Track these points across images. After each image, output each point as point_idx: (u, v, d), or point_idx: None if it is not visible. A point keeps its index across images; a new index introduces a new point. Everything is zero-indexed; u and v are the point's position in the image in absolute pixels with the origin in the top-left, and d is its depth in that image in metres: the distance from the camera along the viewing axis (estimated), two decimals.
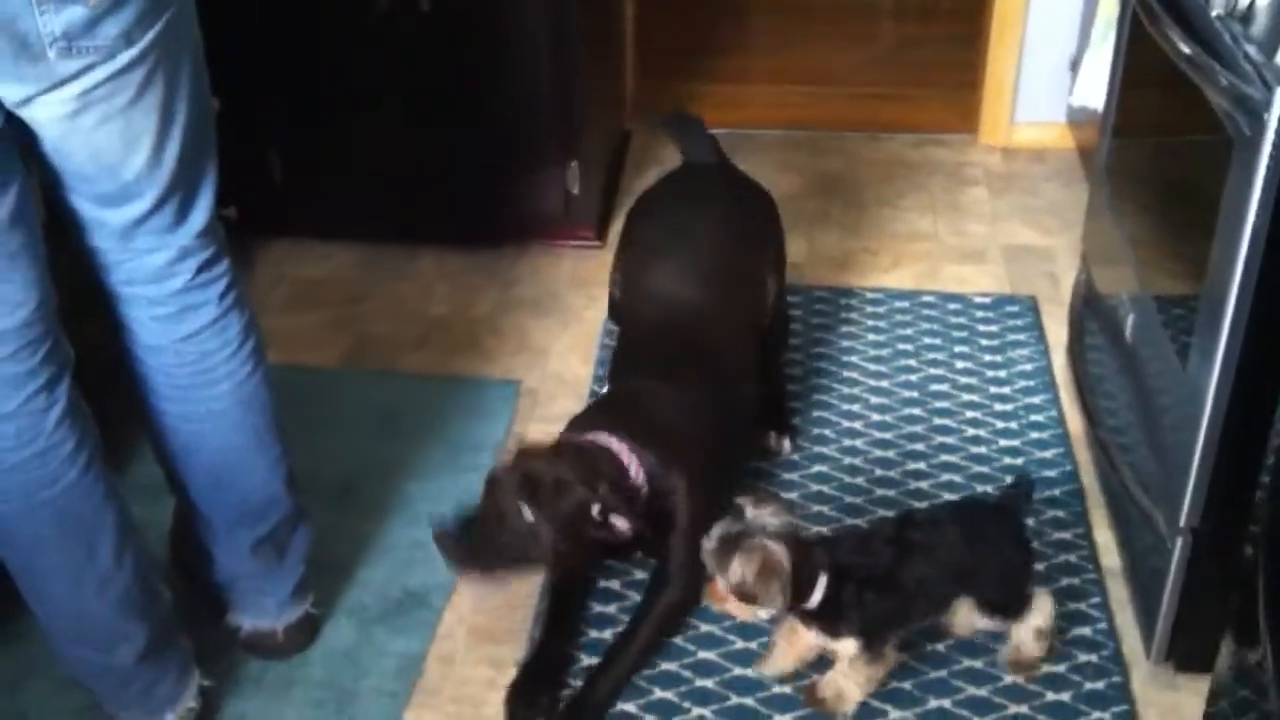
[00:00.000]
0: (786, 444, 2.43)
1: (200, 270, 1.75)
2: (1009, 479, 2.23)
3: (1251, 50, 1.70)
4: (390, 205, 3.03)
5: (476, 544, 1.91)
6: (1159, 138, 2.18)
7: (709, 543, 1.80)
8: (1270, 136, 1.64)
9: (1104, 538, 2.24)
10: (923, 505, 2.27)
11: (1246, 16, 1.72)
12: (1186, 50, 1.88)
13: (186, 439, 1.86)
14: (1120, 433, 2.21)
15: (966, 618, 1.95)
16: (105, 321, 1.78)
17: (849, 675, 1.90)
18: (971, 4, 3.81)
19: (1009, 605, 1.95)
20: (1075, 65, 3.33)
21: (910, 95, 3.84)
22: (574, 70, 2.87)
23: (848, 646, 1.87)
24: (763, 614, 1.84)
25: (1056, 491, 2.35)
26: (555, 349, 2.74)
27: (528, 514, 1.87)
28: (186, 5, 1.61)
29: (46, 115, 1.51)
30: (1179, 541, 1.91)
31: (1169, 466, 1.94)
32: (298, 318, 2.82)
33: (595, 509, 1.90)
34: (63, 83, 1.49)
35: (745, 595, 1.78)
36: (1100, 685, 1.99)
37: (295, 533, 2.00)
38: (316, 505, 2.08)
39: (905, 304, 2.87)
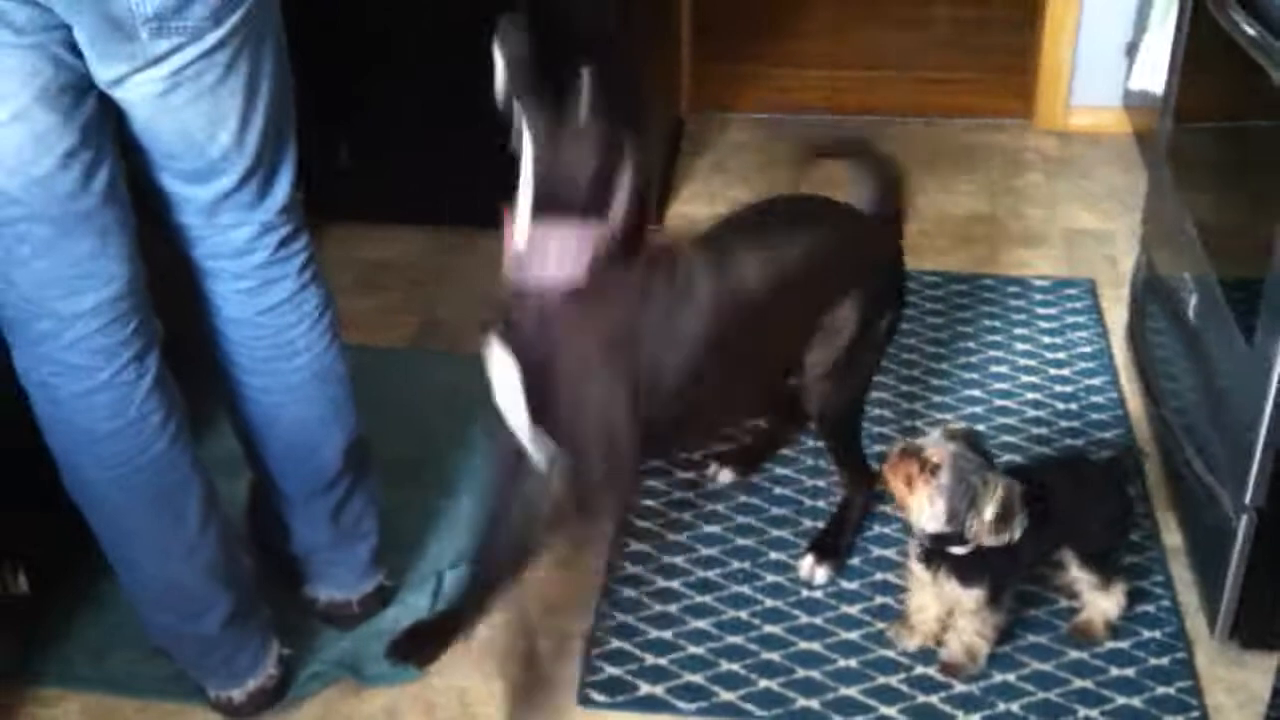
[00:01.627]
0: (821, 573, 2.16)
1: (280, 245, 1.80)
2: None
3: None
4: (453, 189, 3.07)
5: None
6: (1222, 119, 2.19)
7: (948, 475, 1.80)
8: None
9: (1166, 517, 2.26)
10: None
11: None
12: (1251, 32, 1.89)
13: (265, 411, 1.92)
14: (1184, 413, 2.22)
15: (1067, 569, 1.99)
16: (187, 299, 1.84)
17: (977, 627, 1.93)
18: None
19: (1107, 560, 1.98)
20: (1131, 50, 3.34)
21: (965, 80, 3.85)
22: (636, 54, 2.90)
23: (975, 596, 1.90)
24: (926, 520, 1.84)
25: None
26: None
27: None
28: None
29: (138, 94, 1.56)
30: (1244, 520, 1.93)
31: (1234, 445, 1.95)
32: (365, 300, 2.87)
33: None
34: (154, 62, 1.54)
35: (985, 530, 1.80)
36: (1165, 661, 2.00)
37: (368, 504, 2.05)
38: (387, 481, 2.13)
39: (964, 287, 2.89)
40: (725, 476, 2.36)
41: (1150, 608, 2.09)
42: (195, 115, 1.61)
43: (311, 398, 1.92)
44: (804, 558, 2.17)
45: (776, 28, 4.25)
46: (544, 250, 1.70)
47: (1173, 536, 2.22)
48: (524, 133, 1.72)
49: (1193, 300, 2.18)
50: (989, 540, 1.83)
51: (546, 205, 1.70)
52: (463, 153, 3.02)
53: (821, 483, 2.34)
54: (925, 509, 1.84)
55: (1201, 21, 2.16)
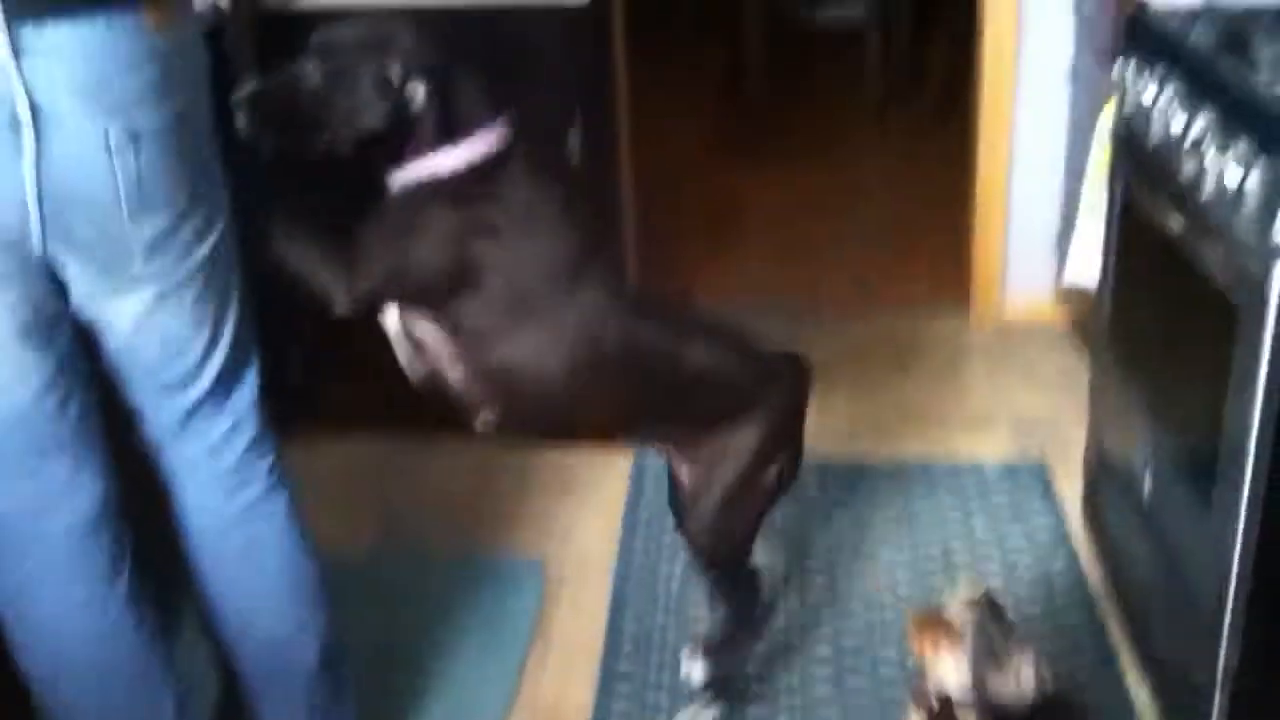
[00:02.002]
0: (696, 670, 2.18)
1: (249, 447, 1.83)
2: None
3: (1246, 226, 1.81)
4: (407, 395, 3.10)
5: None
6: (1160, 304, 2.29)
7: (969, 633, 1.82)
8: (1273, 306, 1.75)
9: (1142, 698, 2.27)
10: None
11: (1238, 195, 1.84)
12: (1181, 226, 2.01)
13: (239, 614, 1.91)
14: (1148, 591, 2.26)
15: None
16: (159, 508, 1.85)
17: None
18: (958, 180, 4.01)
19: None
20: (1061, 241, 3.49)
21: (902, 275, 4.00)
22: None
23: None
24: (952, 684, 1.83)
25: (1089, 655, 2.38)
26: (578, 527, 2.80)
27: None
28: (228, 209, 1.72)
29: (125, 311, 1.62)
30: (1218, 696, 1.95)
31: (1200, 621, 1.99)
32: (324, 504, 2.86)
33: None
34: (144, 282, 1.60)
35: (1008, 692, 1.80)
36: None
37: (343, 708, 2.03)
38: (357, 684, 2.10)
39: (918, 474, 2.95)
40: (695, 674, 2.20)
41: None
42: (178, 327, 1.66)
43: (285, 599, 1.92)
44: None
45: (715, 223, 4.39)
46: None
47: (1149, 716, 2.24)
48: None
49: (1147, 478, 2.24)
50: (1010, 702, 1.84)
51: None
52: None
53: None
54: (950, 673, 1.85)
55: (1132, 217, 2.28)
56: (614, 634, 2.47)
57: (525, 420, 1.99)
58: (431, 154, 1.78)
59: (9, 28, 1.38)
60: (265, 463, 1.85)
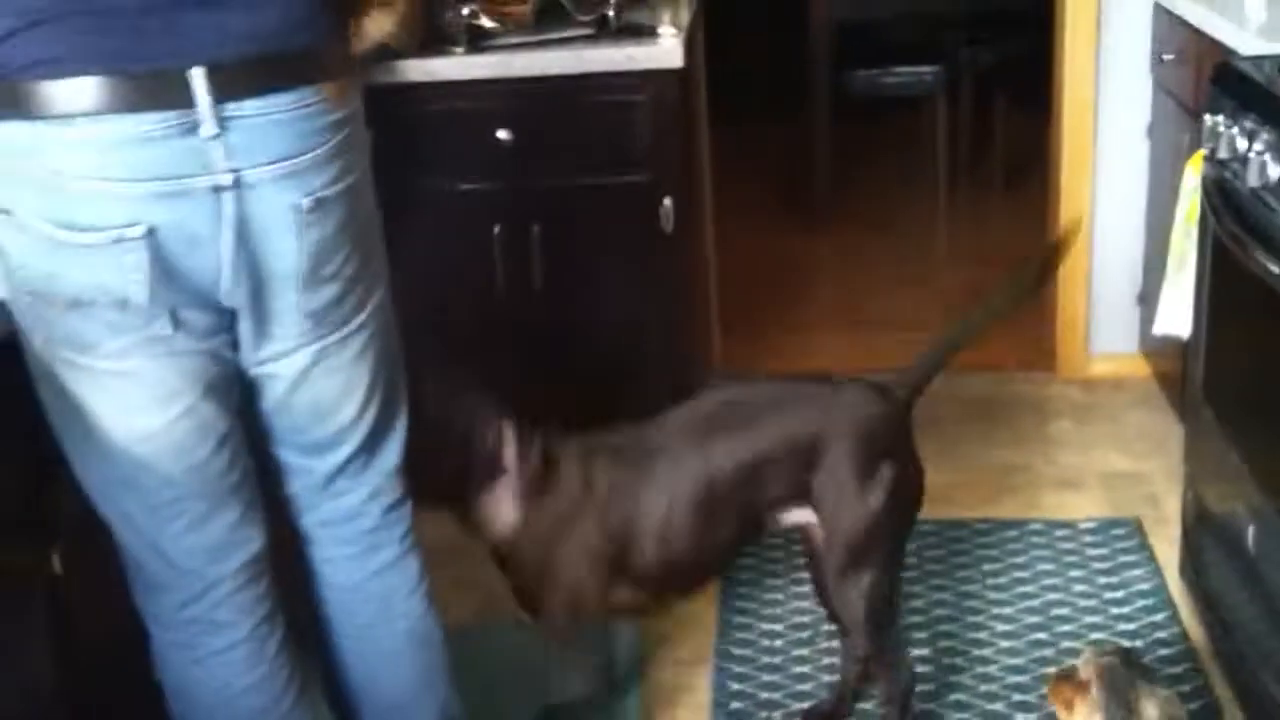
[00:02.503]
0: None
1: (387, 510, 1.90)
2: None
3: None
4: None
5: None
6: (1257, 352, 2.30)
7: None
8: None
9: None
10: None
11: None
12: (1276, 270, 2.03)
13: (362, 677, 1.96)
14: (1255, 642, 2.25)
15: None
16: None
17: None
18: (1029, 247, 4.02)
19: None
20: (1143, 299, 3.50)
21: (987, 336, 3.99)
22: (681, 336, 3.07)
23: None
24: None
25: (1193, 706, 2.37)
26: None
27: None
28: (387, 281, 1.82)
29: (286, 370, 1.70)
30: None
31: None
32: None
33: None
34: (306, 344, 1.69)
35: None
36: None
37: None
38: None
39: (1014, 533, 2.95)
40: None
41: None
42: (329, 388, 1.74)
43: (409, 664, 1.97)
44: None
45: (791, 297, 4.44)
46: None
47: None
48: None
49: (1250, 531, 2.24)
50: None
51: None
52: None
53: None
54: None
55: (1226, 265, 2.30)
56: (719, 692, 2.49)
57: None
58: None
59: (215, 105, 1.49)
60: (401, 528, 1.92)
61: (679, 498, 2.14)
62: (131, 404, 1.60)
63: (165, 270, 1.53)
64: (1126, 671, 1.87)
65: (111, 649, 1.84)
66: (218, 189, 1.53)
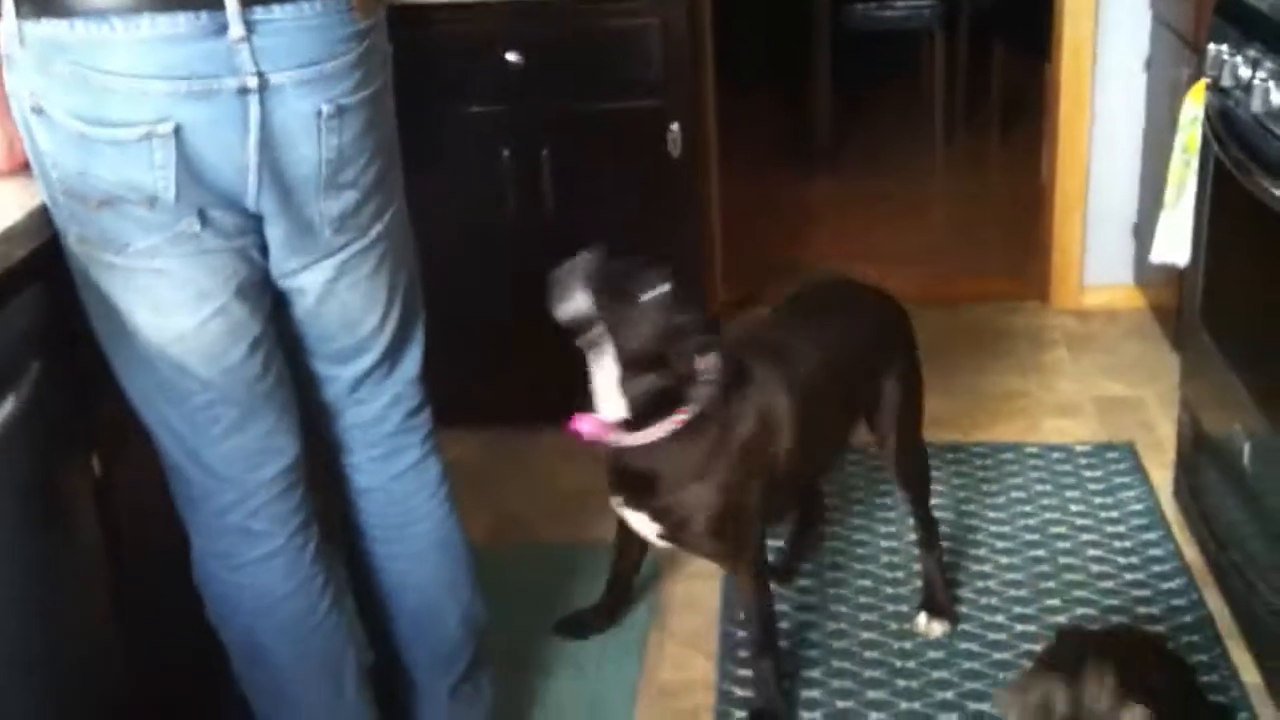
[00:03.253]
0: (938, 627, 2.46)
1: (408, 416, 1.96)
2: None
3: None
4: (514, 391, 3.22)
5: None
6: (1255, 276, 2.36)
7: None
8: None
9: (1241, 658, 2.35)
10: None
11: None
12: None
13: (392, 578, 2.03)
14: (1249, 554, 2.33)
15: None
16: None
17: None
18: (1025, 187, 4.08)
19: None
20: (1138, 231, 3.56)
21: (980, 270, 4.07)
22: (687, 262, 3.10)
23: None
24: None
25: (1188, 618, 2.46)
26: None
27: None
28: (403, 195, 1.86)
29: (312, 281, 1.74)
30: None
31: None
32: None
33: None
34: (330, 254, 1.72)
35: None
36: None
37: (481, 684, 2.13)
38: (492, 667, 2.20)
39: (1011, 456, 3.03)
40: (936, 630, 2.47)
41: None
42: (354, 299, 1.78)
43: (434, 565, 2.04)
44: (918, 615, 2.47)
45: (793, 233, 4.48)
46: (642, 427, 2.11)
47: (1250, 675, 2.31)
48: (602, 333, 2.09)
49: (1246, 448, 2.31)
50: None
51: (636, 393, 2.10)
52: (521, 359, 3.18)
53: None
54: None
55: (1226, 191, 2.36)
56: (728, 610, 2.56)
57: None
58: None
59: (243, 8, 1.52)
60: (421, 433, 1.98)
61: (811, 390, 2.22)
62: (164, 303, 1.64)
63: (192, 169, 1.56)
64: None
65: (157, 556, 1.88)
66: (244, 91, 1.55)
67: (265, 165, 1.60)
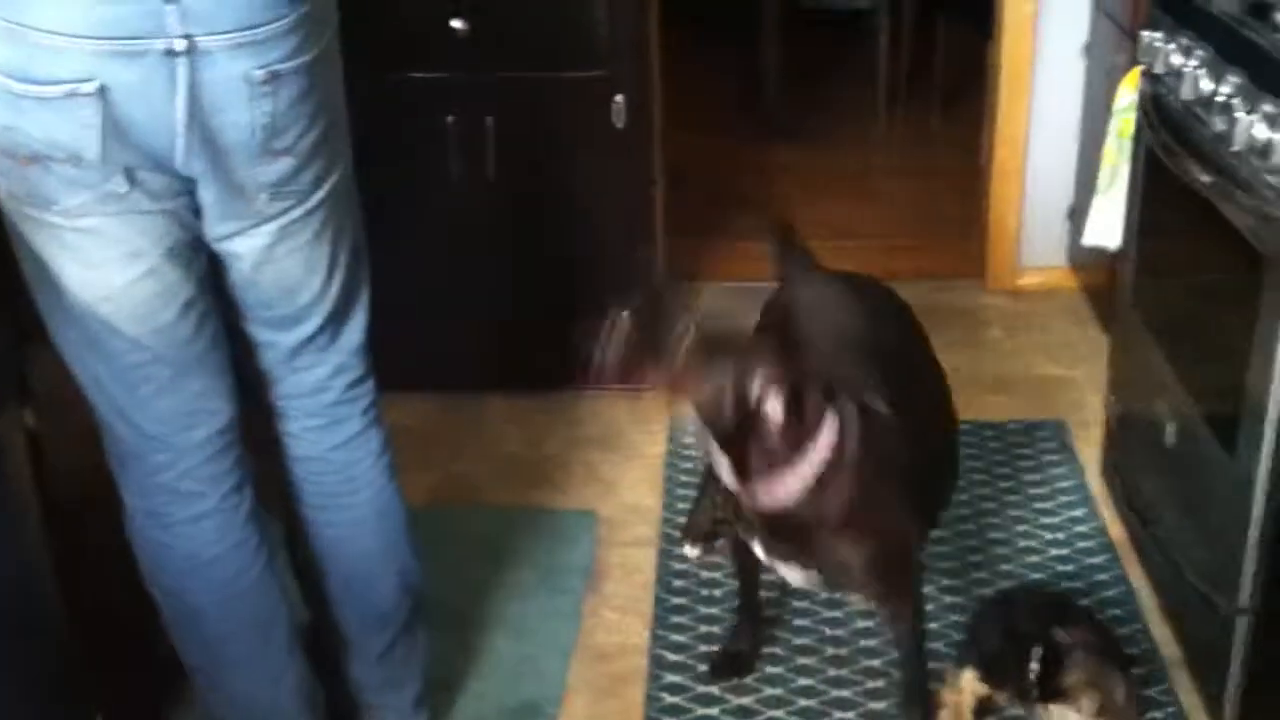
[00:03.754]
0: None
1: (350, 386, 1.96)
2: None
3: (1272, 178, 1.95)
4: (459, 356, 3.24)
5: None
6: (1184, 259, 2.43)
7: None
8: None
9: (1161, 632, 2.42)
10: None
11: (1265, 150, 1.97)
12: (1210, 180, 2.14)
13: (327, 545, 2.04)
14: (1170, 530, 2.40)
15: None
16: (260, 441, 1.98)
17: None
18: (966, 163, 4.13)
19: None
20: (1074, 214, 3.62)
21: (919, 247, 4.12)
22: (631, 230, 3.14)
23: None
24: None
25: (1111, 593, 2.53)
26: (624, 482, 2.93)
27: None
28: (349, 162, 1.85)
29: (248, 247, 1.74)
30: (1239, 622, 2.09)
31: (1224, 553, 2.13)
32: None
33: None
34: (266, 220, 1.72)
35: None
36: None
37: (415, 643, 2.15)
38: (429, 627, 2.22)
39: None
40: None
41: (1159, 714, 2.25)
42: (293, 265, 1.78)
43: (372, 532, 2.04)
44: None
45: (736, 205, 4.51)
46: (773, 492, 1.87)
47: (1171, 649, 2.38)
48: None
49: (1170, 428, 2.38)
50: None
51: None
52: (467, 322, 3.20)
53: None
54: None
55: (1158, 177, 2.41)
56: (664, 575, 2.60)
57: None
58: (789, 466, 1.84)
59: None
60: (364, 403, 1.98)
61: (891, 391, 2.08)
62: (93, 261, 1.64)
63: (118, 129, 1.56)
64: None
65: (92, 510, 1.89)
66: (171, 53, 1.55)
67: (195, 129, 1.59)
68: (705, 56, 5.72)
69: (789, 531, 1.97)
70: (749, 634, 2.36)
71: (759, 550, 2.07)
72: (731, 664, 2.33)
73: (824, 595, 2.52)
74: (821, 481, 1.87)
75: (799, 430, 1.84)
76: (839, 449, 1.87)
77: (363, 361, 1.97)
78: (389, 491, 2.05)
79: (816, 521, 1.93)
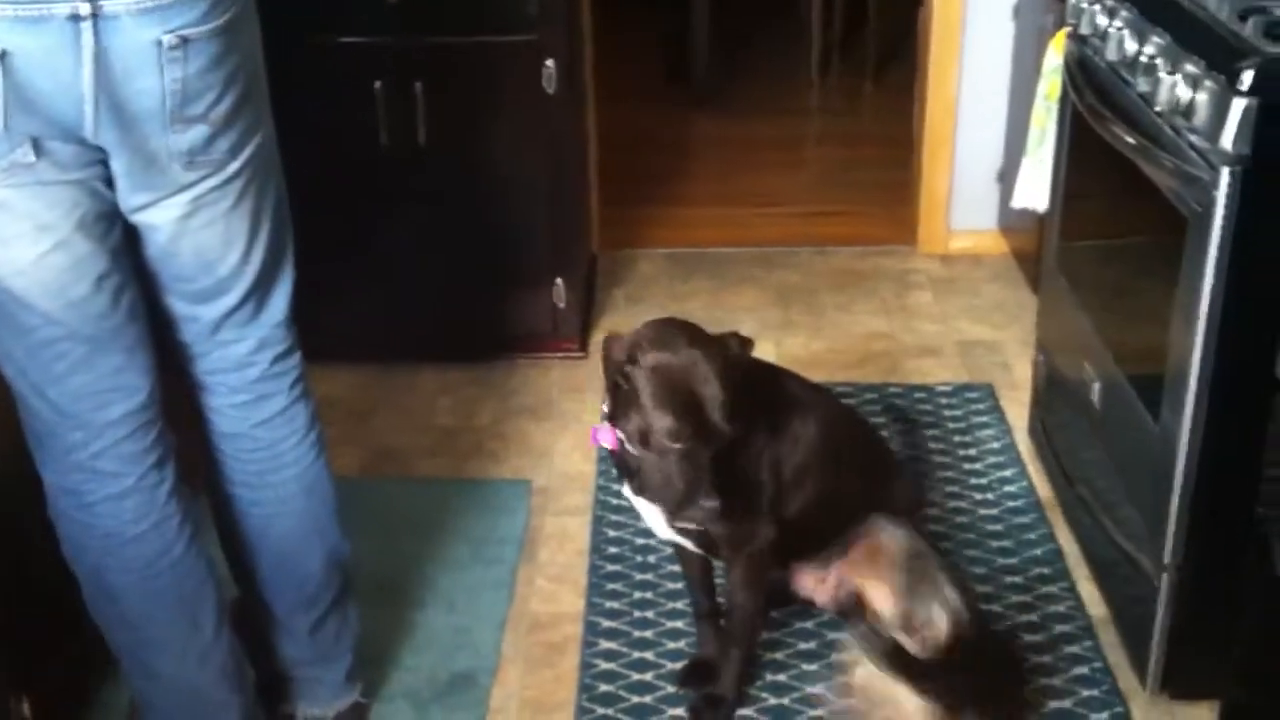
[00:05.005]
0: None
1: (275, 361, 1.93)
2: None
3: (1195, 139, 1.98)
4: (390, 326, 3.21)
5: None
6: (1109, 222, 2.45)
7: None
8: (1220, 211, 1.91)
9: (1088, 591, 2.45)
10: None
11: (1188, 110, 1.99)
12: (1134, 142, 2.15)
13: (255, 523, 2.01)
14: (1096, 490, 2.43)
15: None
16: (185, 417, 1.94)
17: None
18: (897, 129, 4.15)
19: None
20: (1003, 177, 3.65)
21: (850, 212, 4.14)
22: (562, 198, 3.13)
23: None
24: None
25: (1038, 552, 2.56)
26: (558, 450, 2.92)
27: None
28: (271, 130, 1.82)
29: (163, 218, 1.70)
30: (1164, 579, 2.13)
31: (1148, 512, 2.16)
32: None
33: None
34: (180, 190, 1.68)
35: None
36: (1104, 716, 2.18)
37: (346, 618, 2.13)
38: (360, 600, 2.20)
39: (874, 395, 3.10)
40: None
41: (1085, 669, 2.28)
42: (210, 237, 1.74)
43: (299, 510, 2.01)
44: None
45: (669, 173, 4.51)
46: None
47: (1098, 608, 2.41)
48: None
49: (1096, 389, 2.40)
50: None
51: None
52: (397, 292, 3.17)
53: None
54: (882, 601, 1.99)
55: (1084, 139, 2.43)
56: (598, 544, 2.60)
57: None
58: None
59: None
60: (289, 378, 1.94)
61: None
62: (1, 235, 1.60)
63: (22, 97, 1.52)
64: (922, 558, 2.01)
65: (16, 483, 1.85)
66: (76, 18, 1.51)
67: (103, 96, 1.56)
68: (634, 24, 5.69)
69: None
70: (711, 639, 2.28)
71: (628, 490, 2.09)
72: (698, 673, 2.27)
73: None
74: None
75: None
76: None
77: (288, 335, 1.94)
78: (317, 468, 2.02)
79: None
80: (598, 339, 3.37)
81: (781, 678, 2.28)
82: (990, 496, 2.73)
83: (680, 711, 2.20)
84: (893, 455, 2.43)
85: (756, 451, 2.08)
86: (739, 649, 2.20)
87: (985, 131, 3.68)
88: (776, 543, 2.12)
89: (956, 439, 2.93)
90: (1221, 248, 1.92)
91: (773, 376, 2.22)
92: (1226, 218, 1.91)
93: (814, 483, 2.15)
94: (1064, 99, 2.58)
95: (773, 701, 2.23)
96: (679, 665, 2.30)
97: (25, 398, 1.74)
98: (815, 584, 2.17)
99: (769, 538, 2.11)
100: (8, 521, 1.89)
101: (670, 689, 2.25)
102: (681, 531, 2.12)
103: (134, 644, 1.85)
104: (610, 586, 2.48)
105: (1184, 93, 1.97)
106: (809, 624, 2.38)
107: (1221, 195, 1.90)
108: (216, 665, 1.87)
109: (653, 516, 2.11)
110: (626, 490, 2.10)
